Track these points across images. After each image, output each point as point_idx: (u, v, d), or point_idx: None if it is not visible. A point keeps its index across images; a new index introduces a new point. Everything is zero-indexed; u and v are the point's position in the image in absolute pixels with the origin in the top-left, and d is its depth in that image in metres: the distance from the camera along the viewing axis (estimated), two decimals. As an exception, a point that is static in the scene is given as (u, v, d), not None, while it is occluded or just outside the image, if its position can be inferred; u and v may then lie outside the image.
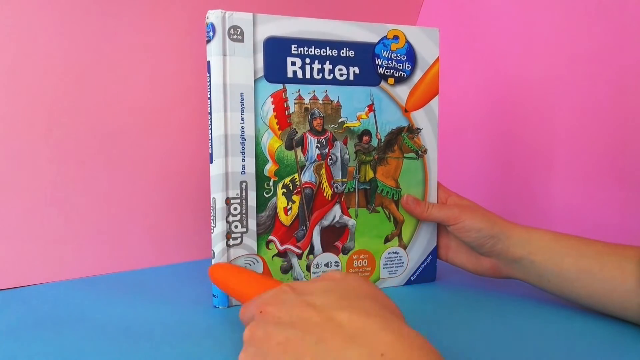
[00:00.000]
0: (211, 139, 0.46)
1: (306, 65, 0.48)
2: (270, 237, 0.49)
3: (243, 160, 0.47)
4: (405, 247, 0.54)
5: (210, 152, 0.46)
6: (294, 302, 0.30)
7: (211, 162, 0.46)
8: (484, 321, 0.45)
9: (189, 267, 0.63)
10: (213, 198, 0.46)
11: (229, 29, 0.45)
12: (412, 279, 0.55)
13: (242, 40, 0.45)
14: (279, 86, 0.47)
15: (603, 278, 0.43)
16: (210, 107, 0.46)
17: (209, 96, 0.46)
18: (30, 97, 0.55)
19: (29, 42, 0.55)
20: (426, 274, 0.55)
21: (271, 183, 0.48)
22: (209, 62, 0.45)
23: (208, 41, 0.45)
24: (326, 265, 0.51)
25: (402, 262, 0.54)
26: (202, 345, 0.40)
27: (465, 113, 0.80)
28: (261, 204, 0.48)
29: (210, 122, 0.46)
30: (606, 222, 0.62)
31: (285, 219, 0.49)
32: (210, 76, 0.45)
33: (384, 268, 0.53)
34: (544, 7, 0.67)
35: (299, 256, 0.50)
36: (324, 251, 0.51)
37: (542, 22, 0.68)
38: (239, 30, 0.45)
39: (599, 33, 0.61)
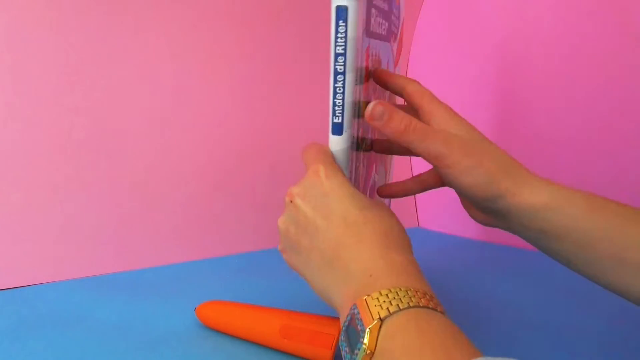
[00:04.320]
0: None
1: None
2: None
3: None
4: None
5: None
6: (320, 206, 0.33)
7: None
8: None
9: (189, 267, 0.63)
10: None
11: None
12: None
13: None
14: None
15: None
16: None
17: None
18: (31, 98, 0.54)
19: (35, 41, 0.53)
20: None
21: None
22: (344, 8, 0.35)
23: None
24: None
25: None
26: (202, 346, 0.41)
27: (464, 112, 0.79)
28: None
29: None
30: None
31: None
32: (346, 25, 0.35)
33: None
34: (543, 5, 0.68)
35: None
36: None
37: (541, 20, 0.69)
38: None
39: (599, 32, 0.62)
